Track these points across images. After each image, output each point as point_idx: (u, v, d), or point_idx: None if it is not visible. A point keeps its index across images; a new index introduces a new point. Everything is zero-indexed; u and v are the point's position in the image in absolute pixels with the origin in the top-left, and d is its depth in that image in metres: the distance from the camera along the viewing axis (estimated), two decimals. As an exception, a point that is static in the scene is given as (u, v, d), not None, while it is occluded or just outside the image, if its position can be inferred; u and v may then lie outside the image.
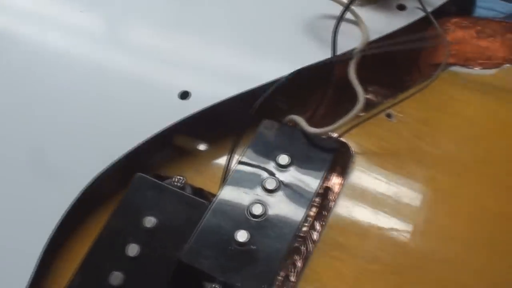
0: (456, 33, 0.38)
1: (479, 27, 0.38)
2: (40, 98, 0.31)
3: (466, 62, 0.37)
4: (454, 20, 0.38)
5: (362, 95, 0.27)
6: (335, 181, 0.29)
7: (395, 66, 0.36)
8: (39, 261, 0.26)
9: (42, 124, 0.30)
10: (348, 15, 0.30)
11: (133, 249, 0.26)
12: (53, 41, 0.34)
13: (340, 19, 0.28)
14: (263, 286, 0.24)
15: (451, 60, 0.38)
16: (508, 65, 0.35)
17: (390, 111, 0.31)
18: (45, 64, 0.32)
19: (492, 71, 0.35)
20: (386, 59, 0.36)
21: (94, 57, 0.32)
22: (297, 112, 0.30)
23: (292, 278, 0.26)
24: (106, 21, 0.35)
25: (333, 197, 0.28)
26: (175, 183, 0.28)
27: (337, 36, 0.29)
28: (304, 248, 0.27)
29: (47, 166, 0.29)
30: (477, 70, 0.35)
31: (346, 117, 0.27)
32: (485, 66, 0.36)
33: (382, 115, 0.31)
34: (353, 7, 0.31)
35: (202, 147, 0.31)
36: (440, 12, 0.37)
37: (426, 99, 0.32)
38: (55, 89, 0.31)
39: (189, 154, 0.31)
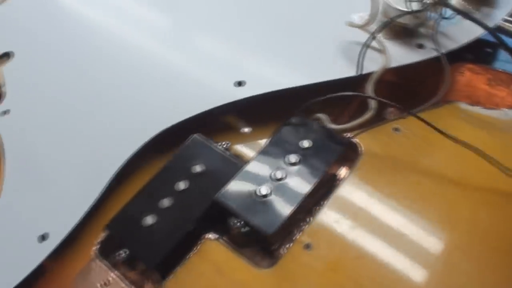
0: (469, 77, 0.47)
1: (490, 76, 0.47)
2: (125, 73, 0.42)
3: (477, 104, 0.46)
4: (469, 66, 0.47)
5: (373, 105, 0.36)
6: (343, 171, 0.38)
7: (417, 98, 0.45)
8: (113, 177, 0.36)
9: (128, 89, 0.41)
10: (376, 44, 0.40)
11: (182, 185, 0.36)
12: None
13: (367, 43, 0.38)
14: (273, 229, 0.33)
15: (465, 100, 0.46)
16: (505, 109, 0.44)
17: (398, 126, 0.40)
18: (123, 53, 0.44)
19: (490, 111, 0.43)
20: (411, 93, 0.45)
21: (174, 48, 0.43)
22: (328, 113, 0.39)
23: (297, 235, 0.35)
24: (180, 24, 0.46)
25: (338, 182, 0.37)
26: (222, 145, 0.38)
27: (361, 58, 0.38)
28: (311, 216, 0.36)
29: (132, 117, 0.40)
30: (477, 109, 0.43)
31: (357, 120, 0.36)
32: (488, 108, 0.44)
33: (391, 128, 0.40)
34: (381, 40, 0.40)
35: (246, 129, 0.41)
36: (457, 57, 0.46)
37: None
38: (141, 69, 0.42)
39: (238, 130, 0.41)
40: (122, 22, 0.49)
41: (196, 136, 0.38)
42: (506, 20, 0.50)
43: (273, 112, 0.40)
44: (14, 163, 0.40)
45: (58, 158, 0.40)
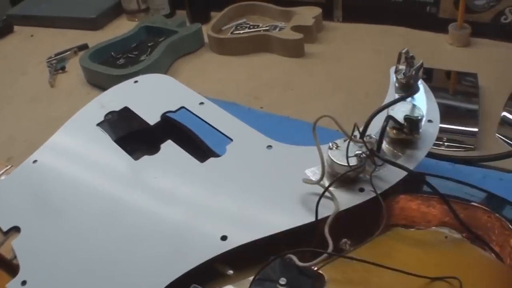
0: (403, 204, 0.62)
1: (419, 201, 0.62)
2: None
3: (413, 223, 0.61)
4: (402, 196, 0.62)
5: (331, 245, 0.50)
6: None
7: (365, 226, 0.59)
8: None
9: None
10: (328, 194, 0.55)
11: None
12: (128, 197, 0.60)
13: (321, 195, 0.54)
14: None
15: (403, 222, 0.62)
16: (434, 227, 0.59)
17: (353, 255, 0.54)
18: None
19: (422, 231, 0.58)
20: (360, 223, 0.60)
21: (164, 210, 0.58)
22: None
23: None
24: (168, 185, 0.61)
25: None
26: (215, 291, 0.51)
27: (318, 206, 0.53)
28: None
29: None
30: (412, 231, 0.58)
31: (319, 258, 0.50)
32: (421, 228, 0.59)
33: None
34: (330, 189, 0.55)
35: (230, 271, 0.54)
36: (393, 191, 0.61)
37: (375, 248, 0.55)
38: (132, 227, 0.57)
39: (224, 273, 0.54)
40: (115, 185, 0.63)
41: (194, 286, 0.51)
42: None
43: (251, 256, 0.54)
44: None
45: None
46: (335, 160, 0.56)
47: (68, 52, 1.26)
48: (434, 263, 0.54)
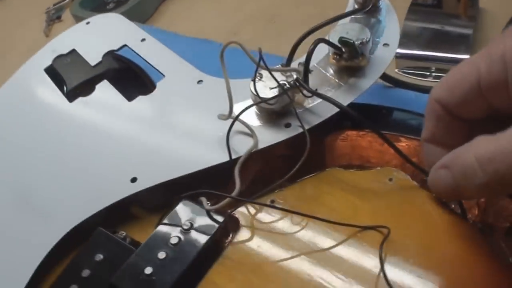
0: (353, 142, 0.56)
1: (369, 138, 0.56)
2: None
3: (369, 163, 0.55)
4: (349, 132, 0.56)
5: (237, 187, 0.47)
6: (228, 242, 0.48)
7: (309, 169, 0.54)
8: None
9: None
10: (246, 129, 0.51)
11: (86, 272, 0.46)
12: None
13: (229, 130, 0.50)
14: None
15: (357, 162, 0.56)
16: (379, 168, 0.53)
17: (274, 198, 0.50)
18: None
19: (361, 172, 0.52)
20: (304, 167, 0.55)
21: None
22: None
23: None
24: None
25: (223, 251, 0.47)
26: (120, 235, 0.49)
27: (228, 142, 0.50)
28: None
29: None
30: (350, 171, 0.52)
31: (222, 203, 0.46)
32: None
33: (268, 200, 0.50)
34: (252, 125, 0.51)
35: (144, 214, 0.52)
36: (337, 125, 0.56)
37: (304, 192, 0.50)
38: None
39: (137, 217, 0.52)
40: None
41: (99, 229, 0.49)
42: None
43: (168, 198, 0.51)
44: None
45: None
46: (254, 93, 0.52)
47: (65, 1, 1.26)
48: (370, 209, 0.48)
